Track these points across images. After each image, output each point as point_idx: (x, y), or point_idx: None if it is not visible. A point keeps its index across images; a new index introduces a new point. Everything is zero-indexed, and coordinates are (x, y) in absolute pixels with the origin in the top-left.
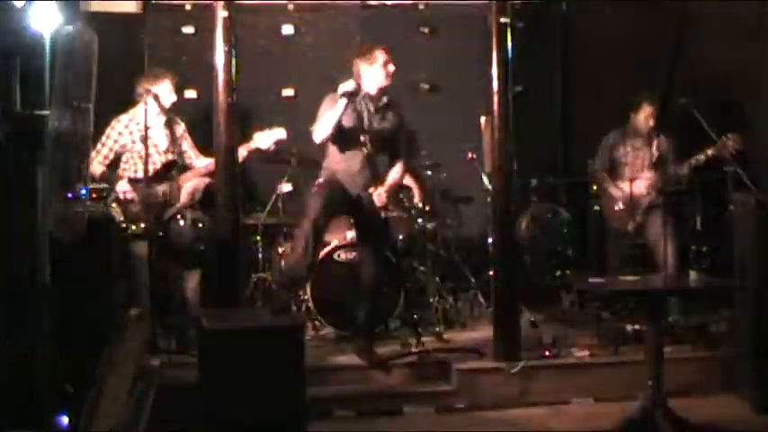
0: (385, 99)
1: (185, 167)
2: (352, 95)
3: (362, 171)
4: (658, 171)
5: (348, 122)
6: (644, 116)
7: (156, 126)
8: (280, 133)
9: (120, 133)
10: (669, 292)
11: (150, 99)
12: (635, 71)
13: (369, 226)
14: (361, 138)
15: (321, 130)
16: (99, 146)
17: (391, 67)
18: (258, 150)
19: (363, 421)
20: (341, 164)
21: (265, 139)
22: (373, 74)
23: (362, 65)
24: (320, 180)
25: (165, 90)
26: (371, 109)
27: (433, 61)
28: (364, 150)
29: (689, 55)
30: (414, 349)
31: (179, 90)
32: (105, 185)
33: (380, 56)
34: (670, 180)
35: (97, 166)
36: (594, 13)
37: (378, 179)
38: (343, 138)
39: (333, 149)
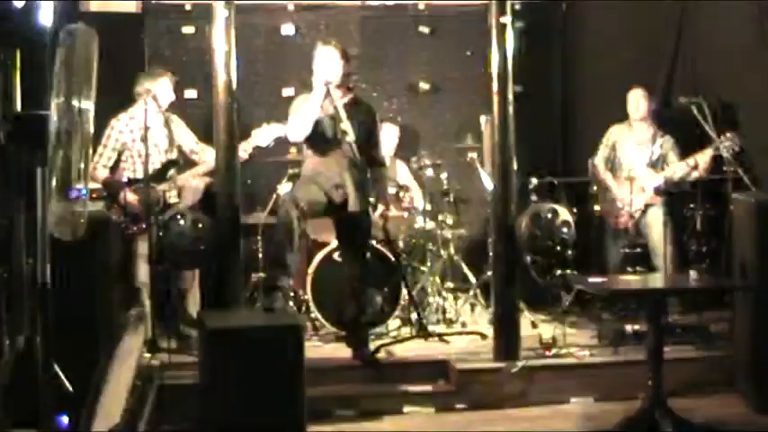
0: (351, 96)
1: (185, 167)
2: (329, 86)
3: (344, 168)
4: (657, 170)
5: (324, 117)
6: (634, 99)
7: (155, 125)
8: (278, 129)
9: (120, 132)
10: (669, 292)
11: (150, 99)
12: (635, 71)
13: (351, 227)
14: (341, 131)
15: (298, 125)
16: (100, 148)
17: (329, 62)
18: (258, 147)
19: (363, 421)
20: (319, 167)
21: (264, 135)
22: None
23: (329, 53)
24: (300, 180)
25: (163, 89)
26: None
27: (433, 61)
28: (343, 148)
29: (689, 55)
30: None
31: (179, 90)
32: (107, 192)
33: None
34: (670, 180)
35: (101, 171)
36: (594, 13)
37: (360, 174)
38: (317, 136)
39: (309, 154)
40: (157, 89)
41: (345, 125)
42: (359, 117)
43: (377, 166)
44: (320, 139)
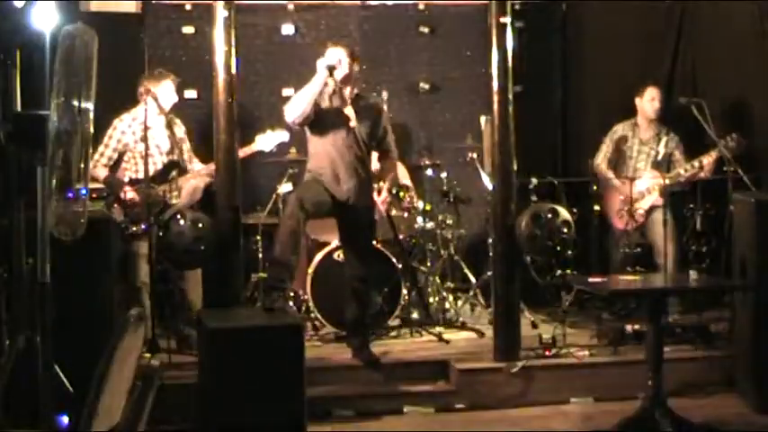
0: (357, 91)
1: (185, 169)
2: (333, 70)
3: (348, 163)
4: (661, 170)
5: (325, 103)
6: (648, 99)
7: (156, 126)
8: (282, 136)
9: (122, 132)
10: (669, 292)
11: (150, 99)
12: (635, 71)
13: (355, 227)
14: (345, 113)
15: (295, 104)
16: (102, 147)
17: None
18: (260, 152)
19: (363, 421)
20: (324, 161)
21: (267, 141)
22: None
23: (338, 51)
24: (304, 179)
25: (166, 90)
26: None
27: (433, 61)
28: (346, 133)
29: (689, 55)
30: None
31: (179, 90)
32: (107, 190)
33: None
34: (673, 181)
35: (101, 169)
36: (594, 13)
37: (365, 170)
38: (322, 122)
39: (313, 144)
40: (160, 90)
41: (348, 110)
42: (366, 112)
43: (389, 159)
44: (324, 124)
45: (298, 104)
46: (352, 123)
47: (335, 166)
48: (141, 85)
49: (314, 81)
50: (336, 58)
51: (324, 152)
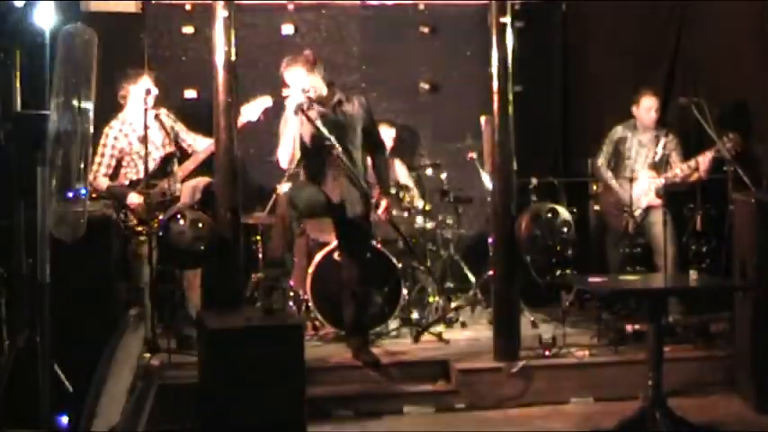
0: (337, 96)
1: (184, 157)
2: (303, 108)
3: (341, 179)
4: (660, 171)
5: (307, 136)
6: (644, 109)
7: (149, 123)
8: (266, 101)
9: (115, 138)
10: (669, 292)
11: (150, 98)
12: (635, 71)
13: (351, 229)
14: (327, 143)
15: (284, 154)
16: (98, 158)
17: (299, 82)
18: (248, 123)
19: (363, 421)
20: (318, 177)
21: (253, 110)
22: (310, 78)
23: (296, 73)
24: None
25: (147, 86)
26: (323, 112)
27: (433, 61)
28: (335, 155)
29: (689, 55)
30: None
31: (179, 90)
32: (111, 198)
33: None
34: (671, 181)
35: (102, 180)
36: (594, 13)
37: (359, 181)
38: (309, 153)
39: (305, 166)
40: (141, 88)
41: (331, 140)
42: (348, 114)
43: (380, 152)
44: (311, 155)
45: (286, 152)
46: (336, 146)
47: (330, 181)
48: (121, 89)
49: (290, 127)
50: (299, 88)
51: (318, 170)
